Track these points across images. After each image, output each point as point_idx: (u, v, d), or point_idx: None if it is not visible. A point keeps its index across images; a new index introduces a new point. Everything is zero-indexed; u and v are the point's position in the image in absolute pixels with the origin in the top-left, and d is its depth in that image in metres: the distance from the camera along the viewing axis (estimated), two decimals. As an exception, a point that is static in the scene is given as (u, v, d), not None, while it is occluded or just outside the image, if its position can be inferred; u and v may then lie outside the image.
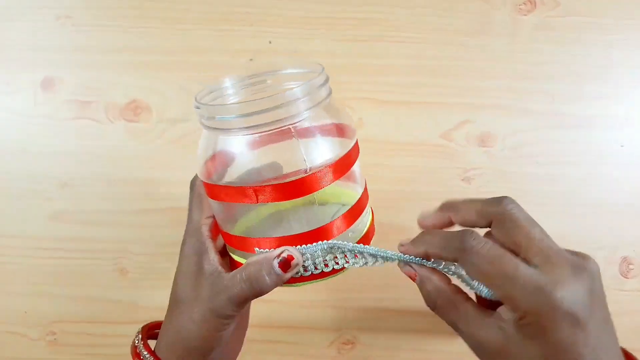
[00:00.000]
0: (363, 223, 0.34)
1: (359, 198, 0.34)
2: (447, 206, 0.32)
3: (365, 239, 0.34)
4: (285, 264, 0.30)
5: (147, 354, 0.32)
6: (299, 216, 0.33)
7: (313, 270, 0.32)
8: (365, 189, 0.35)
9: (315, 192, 0.30)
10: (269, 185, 0.30)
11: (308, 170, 0.30)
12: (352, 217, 0.33)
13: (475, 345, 0.29)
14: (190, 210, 0.35)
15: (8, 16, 0.53)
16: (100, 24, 0.53)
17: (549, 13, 0.52)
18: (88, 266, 0.53)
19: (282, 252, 0.30)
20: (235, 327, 0.34)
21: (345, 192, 0.34)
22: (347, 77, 0.52)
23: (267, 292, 0.31)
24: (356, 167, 0.34)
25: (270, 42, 0.53)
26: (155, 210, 0.53)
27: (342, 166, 0.31)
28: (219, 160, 0.32)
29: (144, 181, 0.53)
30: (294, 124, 0.30)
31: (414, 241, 0.32)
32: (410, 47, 0.52)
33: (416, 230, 0.33)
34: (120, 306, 0.54)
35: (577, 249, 0.29)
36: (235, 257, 0.34)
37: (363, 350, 0.54)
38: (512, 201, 0.29)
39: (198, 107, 0.31)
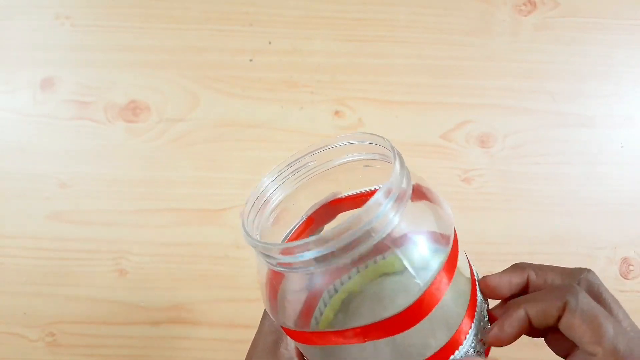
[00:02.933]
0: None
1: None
2: (524, 267, 0.28)
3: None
4: None
5: None
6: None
7: None
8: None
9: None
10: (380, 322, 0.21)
11: (422, 287, 0.22)
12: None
13: None
14: None
15: (7, 15, 0.52)
16: (99, 23, 0.52)
17: (549, 13, 0.52)
18: (87, 266, 0.53)
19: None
20: None
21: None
22: (347, 77, 0.52)
23: None
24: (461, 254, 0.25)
25: (270, 43, 0.53)
26: (154, 210, 0.53)
27: (452, 263, 0.23)
28: (307, 302, 0.24)
29: (143, 181, 0.53)
30: (385, 238, 0.21)
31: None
32: (410, 47, 0.52)
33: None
34: (119, 307, 0.53)
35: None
36: None
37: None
38: (589, 280, 0.26)
39: (255, 246, 0.22)
